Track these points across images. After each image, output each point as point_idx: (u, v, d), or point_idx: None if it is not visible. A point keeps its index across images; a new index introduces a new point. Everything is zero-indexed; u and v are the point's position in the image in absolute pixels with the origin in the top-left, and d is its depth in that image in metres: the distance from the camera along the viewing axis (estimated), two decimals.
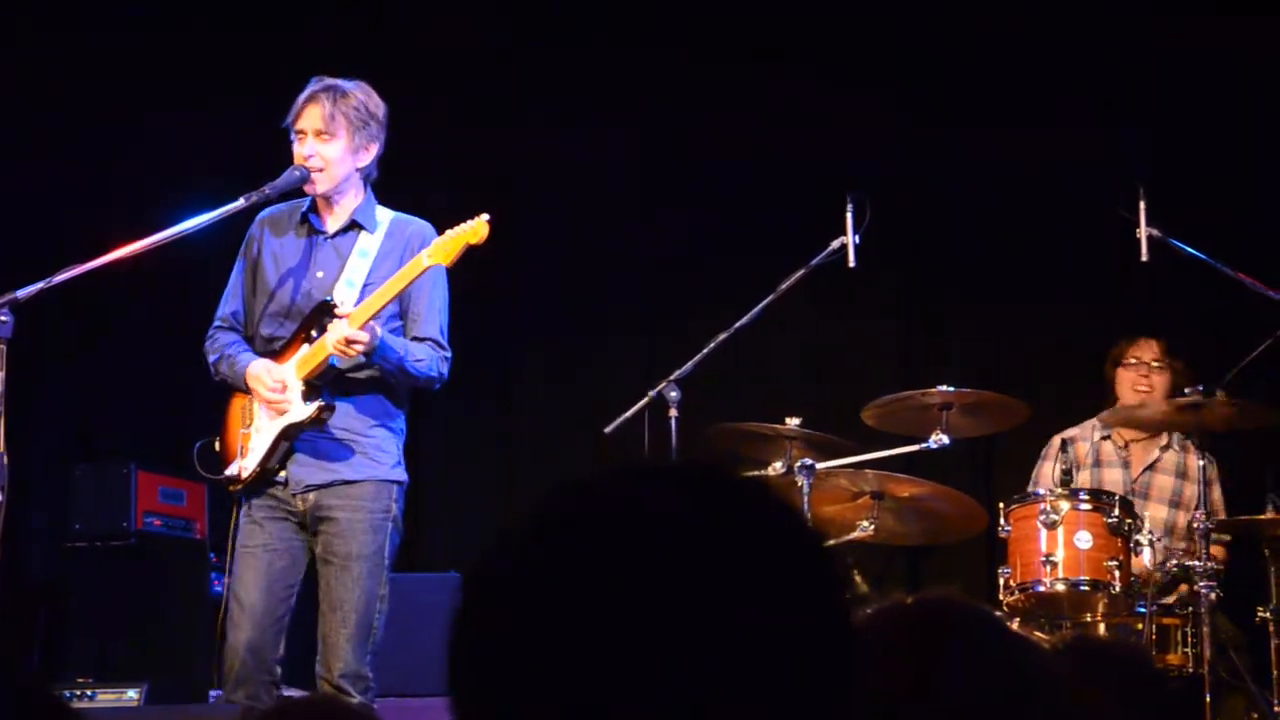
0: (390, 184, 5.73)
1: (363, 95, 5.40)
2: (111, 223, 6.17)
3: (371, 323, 5.20)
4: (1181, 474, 6.85)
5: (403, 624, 5.44)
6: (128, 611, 6.99)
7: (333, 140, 5.35)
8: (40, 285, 5.10)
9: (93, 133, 8.19)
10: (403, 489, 5.40)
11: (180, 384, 8.01)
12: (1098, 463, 6.39)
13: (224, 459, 5.47)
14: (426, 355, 5.34)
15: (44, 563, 7.71)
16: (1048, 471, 6.91)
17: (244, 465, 5.37)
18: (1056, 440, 7.02)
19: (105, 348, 8.30)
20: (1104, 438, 6.86)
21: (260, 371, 5.36)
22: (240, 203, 5.34)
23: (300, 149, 5.36)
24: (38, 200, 8.12)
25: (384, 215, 5.49)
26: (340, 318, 5.21)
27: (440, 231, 5.37)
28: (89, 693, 6.57)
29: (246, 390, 5.41)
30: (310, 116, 5.35)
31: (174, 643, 6.90)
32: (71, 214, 7.93)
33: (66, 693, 6.41)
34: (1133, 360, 6.92)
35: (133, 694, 6.60)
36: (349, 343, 5.13)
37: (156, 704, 6.56)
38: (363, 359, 5.22)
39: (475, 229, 5.24)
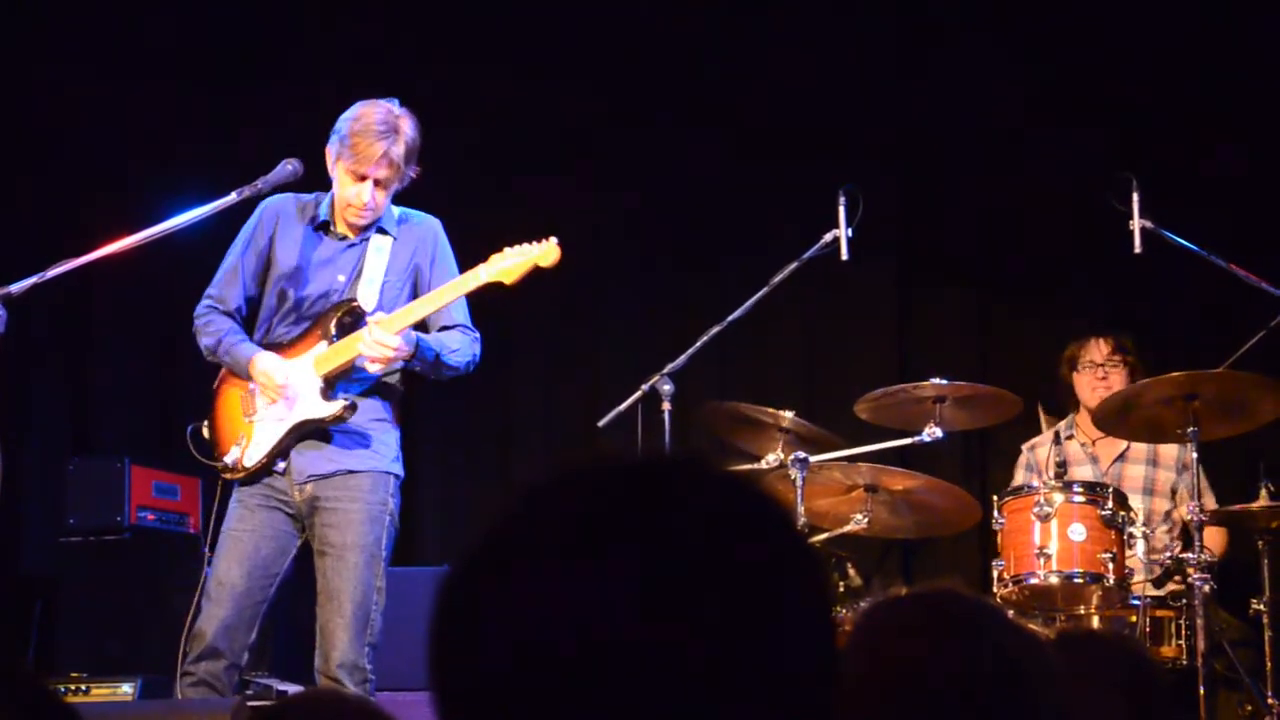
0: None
1: (413, 131, 5.35)
2: (103, 218, 6.16)
3: (407, 329, 5.22)
4: (1152, 460, 6.85)
5: (397, 618, 5.44)
6: (122, 606, 6.99)
7: (390, 187, 5.35)
8: (33, 280, 5.10)
9: (83, 128, 8.17)
10: (399, 482, 5.42)
11: (173, 378, 8.01)
12: (1064, 463, 6.38)
13: (217, 445, 5.46)
14: (459, 343, 5.39)
15: (38, 557, 7.70)
16: (1019, 480, 6.95)
17: (247, 454, 5.36)
18: (1025, 449, 7.06)
19: (98, 342, 8.29)
20: (1067, 438, 6.85)
21: (269, 368, 5.36)
22: (232, 197, 5.34)
23: (359, 193, 5.31)
24: (29, 196, 8.11)
25: (395, 212, 5.50)
26: (365, 319, 5.24)
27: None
28: (83, 687, 6.56)
29: (245, 377, 5.41)
30: (381, 167, 5.28)
31: (168, 637, 6.88)
32: (64, 209, 7.92)
33: (61, 687, 6.41)
34: (1087, 363, 6.93)
35: (127, 688, 6.60)
36: (384, 347, 5.15)
37: (150, 698, 6.55)
38: (401, 363, 5.27)
39: (546, 252, 5.27)
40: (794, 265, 6.35)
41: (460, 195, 7.29)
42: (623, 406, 6.24)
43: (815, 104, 7.97)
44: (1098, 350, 6.91)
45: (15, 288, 5.05)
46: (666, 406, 6.14)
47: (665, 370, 6.19)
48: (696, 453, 1.43)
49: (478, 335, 5.46)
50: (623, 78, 8.18)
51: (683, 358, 6.26)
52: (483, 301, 7.99)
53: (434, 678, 1.38)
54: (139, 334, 8.27)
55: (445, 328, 5.40)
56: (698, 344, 6.30)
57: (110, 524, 7.06)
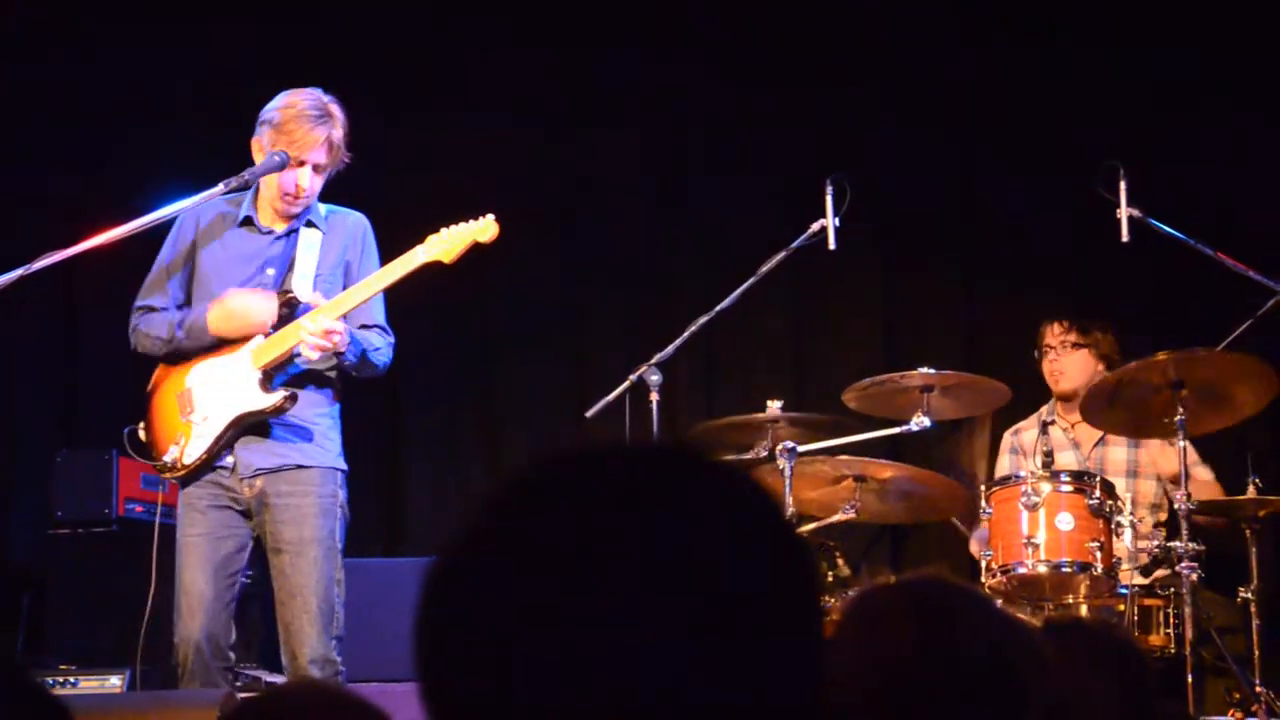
0: (374, 175, 5.73)
1: (344, 116, 5.38)
2: (90, 209, 6.14)
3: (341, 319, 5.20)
4: (1134, 443, 6.83)
5: (381, 608, 5.43)
6: (110, 598, 6.97)
7: (326, 172, 5.35)
8: (19, 272, 5.09)
9: (71, 120, 8.15)
10: (345, 476, 5.38)
11: None
12: (1051, 452, 6.35)
13: (154, 447, 5.43)
14: (380, 343, 5.37)
15: (26, 550, 7.68)
16: (1005, 465, 6.94)
17: (186, 451, 5.32)
18: (1008, 435, 7.04)
19: (85, 334, 8.27)
20: (1049, 423, 6.82)
21: (239, 302, 5.31)
22: (219, 188, 5.32)
23: (297, 179, 5.31)
24: (15, 186, 8.08)
25: (321, 208, 5.48)
26: (300, 309, 5.21)
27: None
28: (71, 679, 6.55)
29: (212, 344, 5.34)
30: (320, 152, 5.31)
31: (156, 629, 6.88)
32: (50, 200, 7.90)
33: (49, 680, 6.39)
34: (1044, 348, 6.91)
35: (115, 680, 6.58)
36: (328, 334, 5.12)
37: (139, 690, 6.54)
38: (333, 356, 5.23)
39: (484, 228, 5.24)
40: (781, 255, 6.34)
41: (448, 184, 7.28)
42: (611, 397, 6.23)
43: (804, 94, 7.97)
44: (1051, 334, 6.90)
45: (1, 280, 5.04)
46: (655, 397, 6.13)
47: (653, 360, 6.18)
48: (685, 443, 1.43)
49: (393, 340, 5.44)
50: (614, 69, 8.17)
51: (671, 348, 6.25)
52: (470, 292, 8.01)
53: (420, 672, 1.37)
54: (126, 325, 8.23)
55: (365, 326, 5.36)
56: (686, 334, 6.30)
57: (98, 516, 7.04)
